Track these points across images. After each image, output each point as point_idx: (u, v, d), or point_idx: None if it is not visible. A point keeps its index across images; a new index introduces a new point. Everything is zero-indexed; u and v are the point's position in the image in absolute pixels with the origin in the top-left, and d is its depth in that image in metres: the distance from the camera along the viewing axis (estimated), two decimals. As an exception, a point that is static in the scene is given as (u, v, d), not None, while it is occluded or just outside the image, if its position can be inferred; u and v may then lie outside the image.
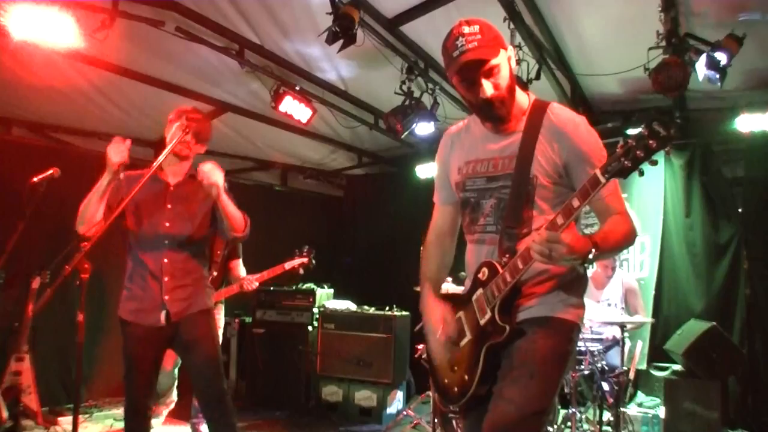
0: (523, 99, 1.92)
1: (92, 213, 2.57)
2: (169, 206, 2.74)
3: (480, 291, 1.84)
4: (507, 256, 1.79)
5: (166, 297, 2.67)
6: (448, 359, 1.95)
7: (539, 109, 1.89)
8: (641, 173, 1.45)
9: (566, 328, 1.84)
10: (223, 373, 2.77)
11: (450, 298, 2.07)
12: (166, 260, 2.69)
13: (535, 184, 1.82)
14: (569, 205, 1.58)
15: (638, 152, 1.41)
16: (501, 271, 1.77)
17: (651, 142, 1.39)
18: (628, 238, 1.79)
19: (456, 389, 1.90)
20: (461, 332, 1.91)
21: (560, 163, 1.82)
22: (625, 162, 1.43)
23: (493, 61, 1.77)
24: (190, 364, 2.77)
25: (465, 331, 1.90)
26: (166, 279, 2.68)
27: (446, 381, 1.96)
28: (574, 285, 1.87)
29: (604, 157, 1.70)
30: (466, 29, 1.78)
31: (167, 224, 2.71)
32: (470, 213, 1.96)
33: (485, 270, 1.85)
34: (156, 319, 2.67)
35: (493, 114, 1.86)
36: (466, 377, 1.85)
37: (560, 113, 1.88)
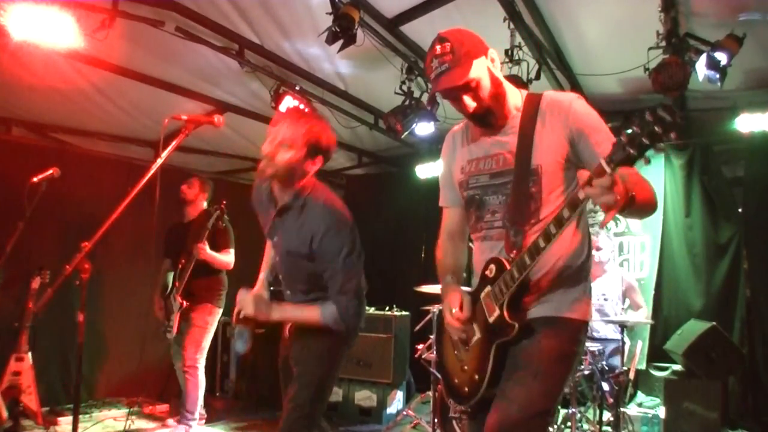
0: (515, 95, 1.92)
1: None
2: (275, 239, 2.51)
3: (488, 288, 1.83)
4: (514, 252, 1.77)
5: None
6: (458, 359, 1.95)
7: (533, 100, 1.89)
8: (648, 161, 1.41)
9: (573, 327, 1.83)
10: (303, 400, 2.31)
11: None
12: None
13: (540, 174, 1.79)
14: (574, 197, 1.55)
15: (643, 139, 1.36)
16: (508, 267, 1.76)
17: (656, 128, 1.34)
18: (654, 202, 1.70)
19: (466, 389, 1.89)
20: (471, 331, 1.89)
21: (565, 143, 1.79)
22: (630, 150, 1.37)
23: (468, 77, 1.77)
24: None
25: (474, 330, 1.88)
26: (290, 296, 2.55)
27: (456, 381, 1.96)
28: (577, 276, 1.86)
29: (606, 129, 1.72)
30: (438, 48, 1.80)
31: (278, 258, 2.53)
32: (475, 211, 1.96)
33: (492, 267, 1.83)
34: (284, 331, 2.59)
35: (482, 122, 1.90)
36: (477, 377, 1.84)
37: (554, 95, 1.89)
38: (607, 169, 1.41)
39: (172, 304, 4.44)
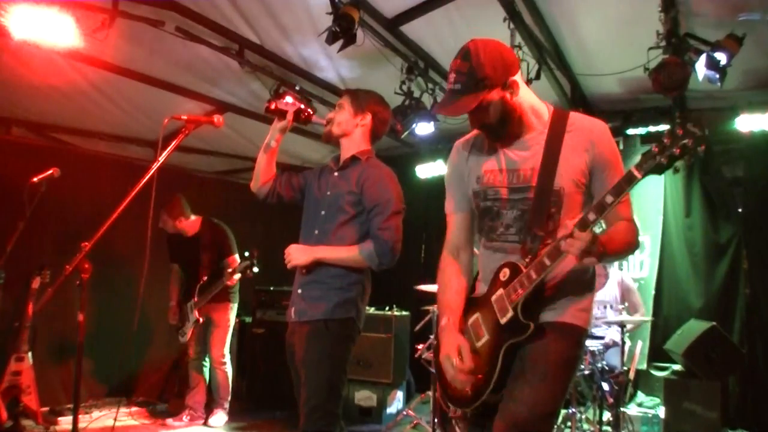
0: (539, 110, 1.92)
1: (260, 169, 2.73)
2: (328, 193, 2.62)
3: (501, 291, 1.83)
4: (530, 257, 1.78)
5: (299, 291, 2.58)
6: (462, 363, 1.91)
7: (560, 119, 1.90)
8: (676, 170, 1.52)
9: (576, 333, 1.85)
10: (318, 402, 2.38)
11: (467, 301, 2.03)
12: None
13: (561, 195, 1.81)
14: (602, 201, 1.61)
15: (675, 150, 1.48)
16: (525, 270, 1.77)
17: (687, 141, 1.47)
18: (631, 247, 1.83)
19: (469, 391, 1.87)
20: (478, 333, 1.89)
21: (586, 170, 1.83)
22: (661, 159, 1.50)
23: (472, 108, 1.78)
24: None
25: (483, 331, 1.88)
26: (303, 271, 2.56)
27: (459, 385, 1.93)
28: (584, 288, 1.90)
29: (621, 167, 1.81)
30: (459, 63, 1.80)
31: (323, 212, 2.58)
32: (489, 221, 1.95)
33: (506, 270, 1.84)
34: (289, 313, 2.60)
35: (489, 136, 1.94)
36: (482, 378, 1.84)
37: (584, 120, 1.90)
38: (638, 176, 1.54)
39: (188, 314, 4.66)
